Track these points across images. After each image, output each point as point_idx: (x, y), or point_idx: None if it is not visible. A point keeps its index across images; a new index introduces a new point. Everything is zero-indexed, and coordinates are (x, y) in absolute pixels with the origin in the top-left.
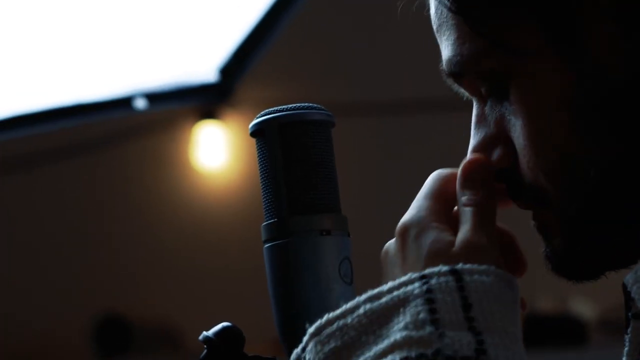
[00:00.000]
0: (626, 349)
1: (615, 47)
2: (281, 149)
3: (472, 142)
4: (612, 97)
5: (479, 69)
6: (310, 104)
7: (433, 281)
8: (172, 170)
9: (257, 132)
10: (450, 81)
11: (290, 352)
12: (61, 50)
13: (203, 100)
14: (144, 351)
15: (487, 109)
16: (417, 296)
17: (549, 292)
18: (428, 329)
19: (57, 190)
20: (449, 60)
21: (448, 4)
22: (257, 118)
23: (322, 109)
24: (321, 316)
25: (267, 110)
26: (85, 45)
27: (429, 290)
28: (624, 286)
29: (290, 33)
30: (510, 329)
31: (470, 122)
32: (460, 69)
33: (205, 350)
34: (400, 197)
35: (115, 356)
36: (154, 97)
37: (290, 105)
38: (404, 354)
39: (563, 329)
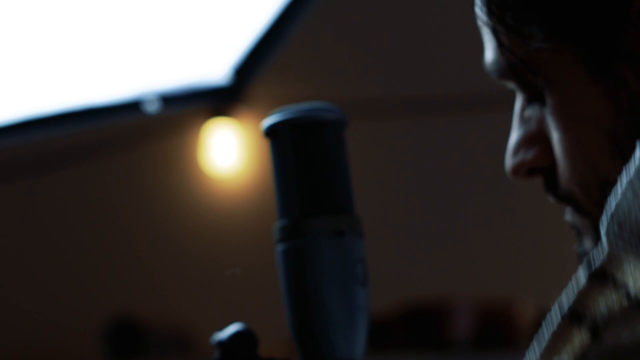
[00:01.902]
0: None
1: None
2: (294, 150)
3: (514, 136)
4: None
5: (518, 79)
6: (324, 104)
7: None
8: (184, 171)
9: (270, 133)
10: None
11: (304, 354)
12: (72, 53)
13: (215, 101)
14: (156, 353)
15: (529, 107)
16: None
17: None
18: None
19: (68, 193)
20: (489, 65)
21: (491, 22)
22: (270, 118)
23: (336, 109)
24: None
25: (279, 110)
26: (95, 48)
27: None
28: None
29: (304, 32)
30: None
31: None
32: (500, 76)
33: (217, 353)
34: (414, 198)
35: (127, 358)
36: (166, 99)
37: (303, 105)
38: None
39: None
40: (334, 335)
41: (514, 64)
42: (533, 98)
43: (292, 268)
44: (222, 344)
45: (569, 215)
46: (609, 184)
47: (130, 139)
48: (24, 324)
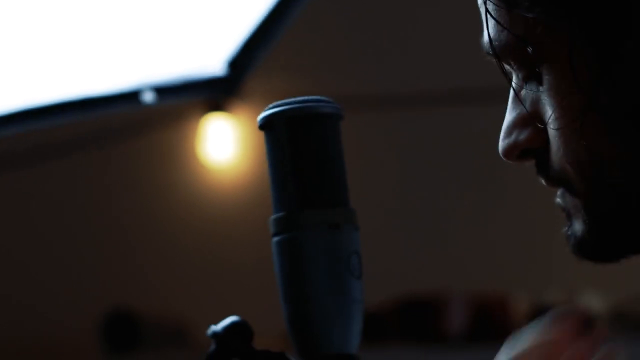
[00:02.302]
0: None
1: None
2: (289, 142)
3: (508, 117)
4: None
5: (515, 56)
6: (319, 97)
7: None
8: (180, 163)
9: (266, 125)
10: (489, 58)
11: (299, 346)
12: (68, 44)
13: (211, 93)
14: (152, 346)
15: (525, 87)
16: None
17: (557, 285)
18: None
19: (63, 184)
20: (486, 44)
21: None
22: (265, 111)
23: (331, 102)
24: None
25: (275, 103)
26: (92, 38)
27: None
28: None
29: (299, 25)
30: None
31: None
32: (497, 55)
33: (213, 345)
34: (409, 191)
35: (124, 351)
36: (162, 90)
37: (298, 98)
38: None
39: None
40: (328, 328)
41: (510, 42)
42: (529, 77)
43: (288, 260)
44: (217, 335)
45: (559, 197)
46: (603, 162)
47: (126, 130)
48: (20, 319)
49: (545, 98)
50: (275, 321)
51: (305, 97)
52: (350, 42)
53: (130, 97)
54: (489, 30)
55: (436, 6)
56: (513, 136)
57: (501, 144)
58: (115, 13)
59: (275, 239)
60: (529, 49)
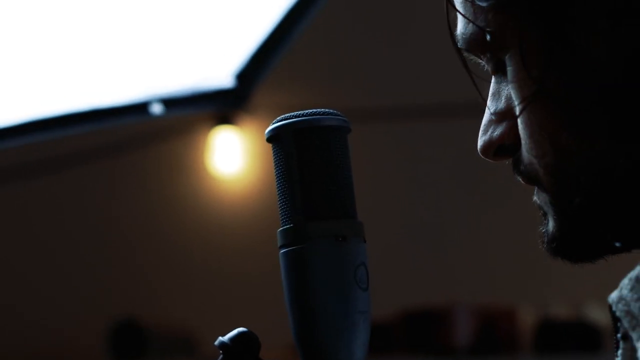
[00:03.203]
0: None
1: (607, 47)
2: (297, 155)
3: (485, 115)
4: (607, 96)
5: (482, 48)
6: (327, 110)
7: None
8: (188, 175)
9: (273, 138)
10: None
11: (306, 357)
12: (77, 55)
13: (219, 106)
14: (159, 356)
15: (496, 80)
16: None
17: (564, 298)
18: None
19: (73, 195)
20: (458, 36)
21: None
22: (273, 124)
23: (339, 115)
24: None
25: (283, 116)
26: (101, 51)
27: None
28: (610, 306)
29: (307, 38)
30: None
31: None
32: (466, 46)
33: (220, 356)
34: (416, 202)
35: None
36: (170, 103)
37: (306, 111)
38: None
39: (578, 335)
40: (335, 339)
41: (475, 34)
42: (497, 69)
43: (295, 272)
44: (225, 346)
45: (535, 195)
46: (564, 153)
47: (134, 142)
48: (28, 328)
49: (510, 87)
50: (282, 332)
51: (313, 110)
52: (357, 55)
53: (139, 109)
54: (458, 24)
55: (445, 19)
56: (488, 133)
57: (479, 142)
58: (125, 26)
59: (283, 250)
60: (488, 38)
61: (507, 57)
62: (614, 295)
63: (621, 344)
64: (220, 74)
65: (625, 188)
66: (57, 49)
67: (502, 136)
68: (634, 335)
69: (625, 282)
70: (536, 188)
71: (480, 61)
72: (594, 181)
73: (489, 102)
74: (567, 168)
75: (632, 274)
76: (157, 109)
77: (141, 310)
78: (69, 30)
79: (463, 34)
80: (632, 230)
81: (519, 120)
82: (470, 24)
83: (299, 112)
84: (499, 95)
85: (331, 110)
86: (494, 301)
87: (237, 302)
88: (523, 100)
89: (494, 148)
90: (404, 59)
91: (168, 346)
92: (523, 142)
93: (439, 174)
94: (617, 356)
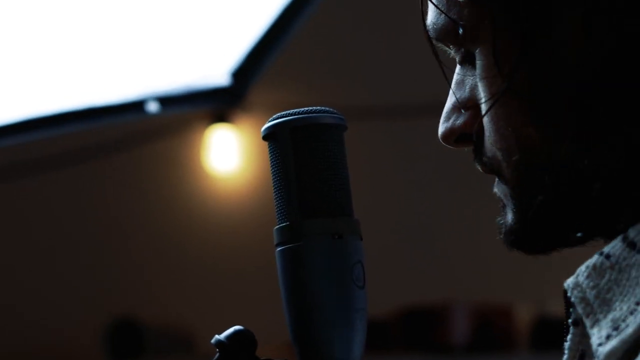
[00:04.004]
0: (565, 357)
1: (580, 49)
2: (293, 153)
3: (448, 102)
4: (577, 97)
5: (452, 39)
6: (323, 108)
7: None
8: (184, 173)
9: (270, 136)
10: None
11: (302, 355)
12: (72, 54)
13: (215, 104)
14: (156, 354)
15: (462, 70)
16: None
17: (560, 295)
18: None
19: (69, 194)
20: (428, 25)
21: None
22: (270, 121)
23: (335, 113)
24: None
25: (279, 114)
26: (96, 49)
27: None
28: (565, 292)
29: (303, 36)
30: None
31: None
32: (437, 36)
33: (217, 354)
34: (413, 200)
35: (128, 359)
36: (166, 101)
37: (302, 109)
38: None
39: None
40: (332, 337)
41: (446, 25)
42: (465, 60)
43: (291, 270)
44: (221, 344)
45: (495, 186)
46: (528, 148)
47: (130, 140)
48: (25, 328)
49: (478, 82)
50: (279, 330)
51: (309, 108)
52: (353, 53)
53: (135, 108)
54: (430, 13)
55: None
56: (451, 121)
57: (440, 128)
58: (120, 24)
59: (279, 248)
60: (460, 31)
61: (477, 50)
62: (570, 282)
63: (571, 329)
64: (216, 72)
65: (588, 188)
66: (53, 48)
67: (464, 125)
68: (587, 322)
69: (582, 269)
70: (497, 179)
71: (448, 50)
72: (558, 180)
73: (453, 89)
74: (532, 165)
75: (590, 262)
76: (153, 107)
77: (138, 309)
78: (65, 29)
79: (435, 24)
80: (591, 226)
81: (484, 111)
82: (443, 15)
83: (296, 110)
84: (463, 84)
85: (328, 108)
86: (491, 299)
87: (234, 299)
88: (492, 96)
89: (456, 136)
90: (400, 56)
91: (166, 344)
92: (487, 133)
93: (436, 172)
94: (566, 341)
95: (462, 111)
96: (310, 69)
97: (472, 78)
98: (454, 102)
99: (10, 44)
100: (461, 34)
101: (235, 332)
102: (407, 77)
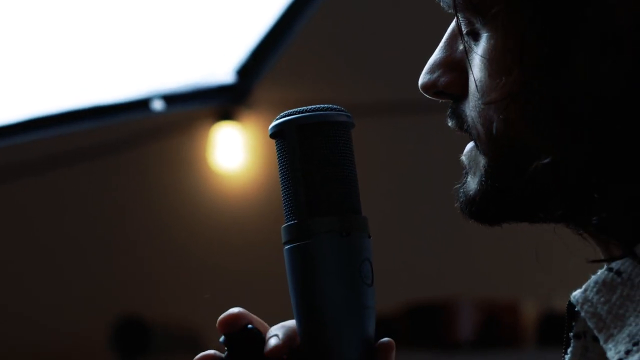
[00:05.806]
0: None
1: (600, 70)
2: (300, 151)
3: (436, 54)
4: (586, 110)
5: (463, 13)
6: (330, 105)
7: None
8: (190, 171)
9: (277, 134)
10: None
11: (310, 353)
12: (78, 53)
13: (221, 102)
14: (163, 353)
15: (465, 36)
16: None
17: (566, 291)
18: None
19: (75, 192)
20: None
21: None
22: (277, 119)
23: (342, 110)
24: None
25: (286, 112)
26: (102, 47)
27: None
28: (570, 305)
29: (308, 33)
30: None
31: None
32: (447, 7)
33: (225, 352)
34: (421, 197)
35: (134, 358)
36: (171, 99)
37: (309, 107)
38: None
39: None
40: (340, 335)
41: None
42: (470, 33)
43: (299, 268)
44: (229, 343)
45: (465, 155)
46: (515, 140)
47: (136, 138)
48: (31, 326)
49: (479, 59)
50: None
51: (316, 106)
52: (358, 50)
53: (140, 106)
54: None
55: (442, 14)
56: (435, 75)
57: (422, 77)
58: (126, 22)
59: (287, 247)
60: (473, 9)
61: (487, 35)
62: (577, 296)
63: (572, 342)
64: (221, 69)
65: (565, 178)
66: (58, 46)
67: (448, 84)
68: (601, 337)
69: (591, 284)
70: (469, 146)
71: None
72: (537, 173)
73: (443, 44)
74: (515, 153)
75: (599, 277)
76: (158, 105)
77: (144, 307)
78: (70, 28)
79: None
80: (558, 212)
81: (473, 84)
82: None
83: (303, 108)
84: (455, 44)
85: (334, 106)
86: (497, 295)
87: (241, 298)
88: (502, 96)
89: (436, 90)
90: (405, 53)
91: (172, 343)
92: (472, 104)
93: (442, 168)
94: (566, 353)
95: (448, 71)
96: (316, 66)
97: (469, 43)
98: (442, 58)
99: (17, 43)
100: (475, 14)
101: (243, 331)
102: (413, 73)
